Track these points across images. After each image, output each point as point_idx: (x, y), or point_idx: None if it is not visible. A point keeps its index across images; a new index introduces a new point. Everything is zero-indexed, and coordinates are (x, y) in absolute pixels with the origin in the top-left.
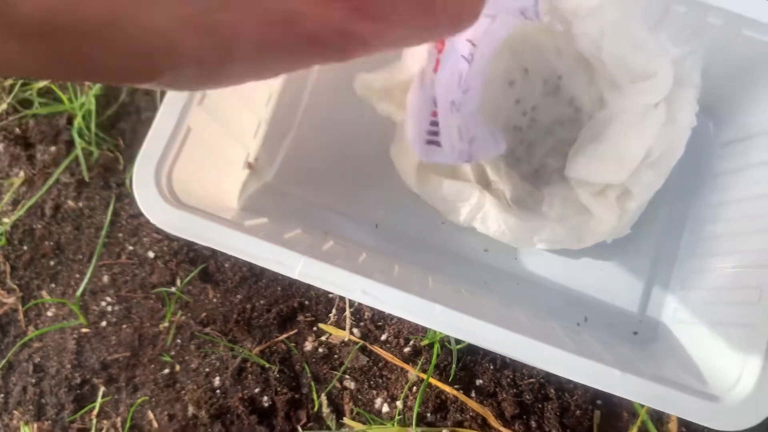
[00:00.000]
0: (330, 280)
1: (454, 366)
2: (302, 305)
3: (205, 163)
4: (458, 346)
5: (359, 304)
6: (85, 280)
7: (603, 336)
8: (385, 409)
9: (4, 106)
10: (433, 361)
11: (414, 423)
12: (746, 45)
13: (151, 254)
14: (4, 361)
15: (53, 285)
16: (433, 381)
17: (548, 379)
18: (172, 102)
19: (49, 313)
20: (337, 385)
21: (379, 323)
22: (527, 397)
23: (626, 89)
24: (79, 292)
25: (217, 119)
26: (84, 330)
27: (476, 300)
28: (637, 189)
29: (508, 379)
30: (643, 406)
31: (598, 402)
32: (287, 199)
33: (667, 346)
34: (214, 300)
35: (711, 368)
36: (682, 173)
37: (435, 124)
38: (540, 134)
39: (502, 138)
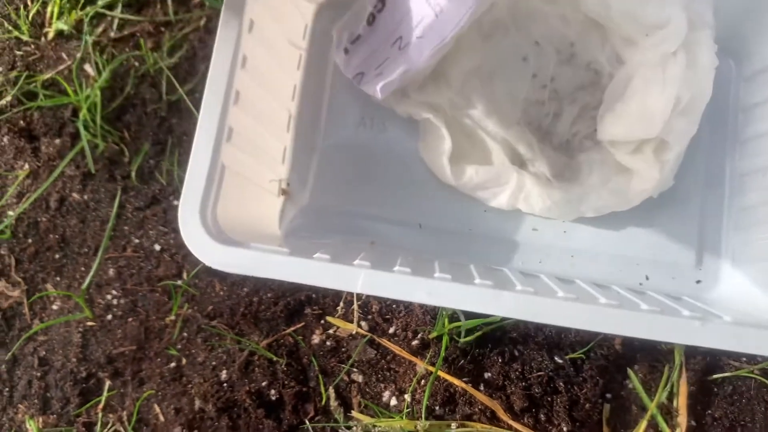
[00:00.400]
0: (392, 288)
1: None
2: (309, 298)
3: (244, 196)
4: (466, 339)
5: (366, 297)
6: (91, 273)
7: (667, 290)
8: (393, 402)
9: (9, 98)
10: (442, 353)
11: (423, 416)
12: None
13: (157, 247)
14: (9, 354)
15: (58, 278)
16: (442, 374)
17: (557, 372)
18: (202, 142)
19: (54, 307)
20: (345, 378)
21: (387, 316)
22: (536, 390)
23: (641, 42)
24: (84, 285)
25: (246, 152)
26: (89, 323)
27: (535, 281)
28: (672, 138)
29: (517, 373)
30: (652, 399)
31: (608, 395)
32: (327, 215)
33: (732, 289)
34: (221, 293)
35: None
36: (711, 114)
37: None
38: (564, 104)
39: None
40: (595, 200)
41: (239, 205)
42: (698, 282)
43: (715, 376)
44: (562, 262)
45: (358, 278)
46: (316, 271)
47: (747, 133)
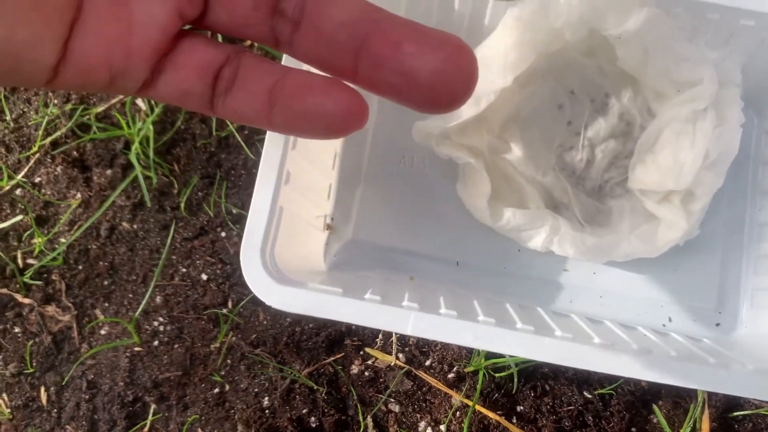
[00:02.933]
0: (441, 332)
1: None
2: (349, 329)
3: (295, 234)
4: (501, 374)
5: None
6: (144, 301)
7: (688, 332)
8: None
9: (64, 130)
10: (479, 387)
11: None
12: None
13: (204, 276)
14: (65, 378)
15: (107, 304)
16: (477, 407)
17: (586, 406)
18: (263, 186)
19: (103, 332)
20: (383, 408)
21: (424, 349)
22: (566, 423)
23: (673, 98)
24: (137, 313)
25: (297, 191)
26: (137, 349)
27: (568, 322)
28: (699, 191)
29: (548, 406)
30: None
31: (633, 430)
32: (368, 250)
33: (750, 333)
34: (264, 322)
35: None
36: (733, 165)
37: None
38: (596, 151)
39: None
40: (625, 247)
41: (292, 243)
42: (717, 325)
43: (736, 413)
44: (592, 303)
45: (408, 321)
46: (369, 313)
47: (766, 186)
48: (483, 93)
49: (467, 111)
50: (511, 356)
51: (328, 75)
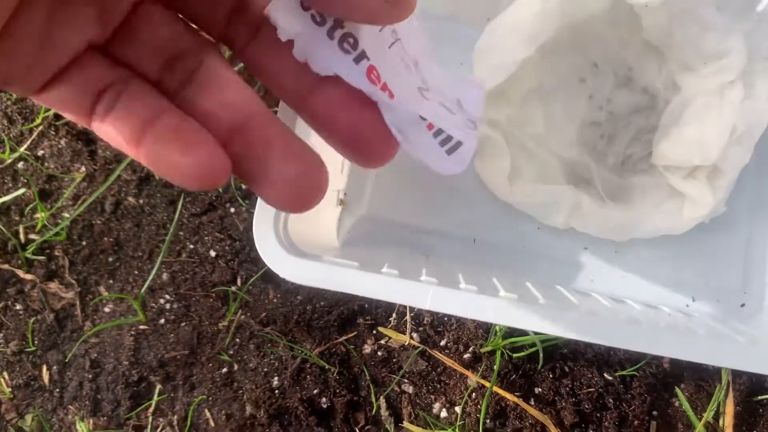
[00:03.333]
0: (461, 306)
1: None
2: (362, 308)
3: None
4: (519, 354)
5: (419, 308)
6: (150, 278)
7: (712, 313)
8: (444, 414)
9: None
10: (496, 368)
11: (480, 429)
12: None
13: (212, 253)
14: (67, 356)
15: (111, 281)
16: (495, 388)
17: (606, 389)
18: None
19: (107, 309)
20: (396, 388)
21: (439, 328)
22: (586, 406)
23: (700, 70)
24: (142, 290)
25: None
26: (142, 327)
27: (590, 300)
28: (726, 166)
29: (567, 388)
30: (700, 418)
31: (654, 413)
32: (382, 227)
33: None
34: (275, 300)
35: None
36: (760, 142)
37: (439, 132)
38: (619, 126)
39: (475, 76)
40: (649, 224)
41: (304, 217)
42: (742, 306)
43: (760, 397)
44: (613, 282)
45: (428, 295)
46: (387, 287)
47: None
48: (503, 63)
49: (488, 81)
50: (535, 333)
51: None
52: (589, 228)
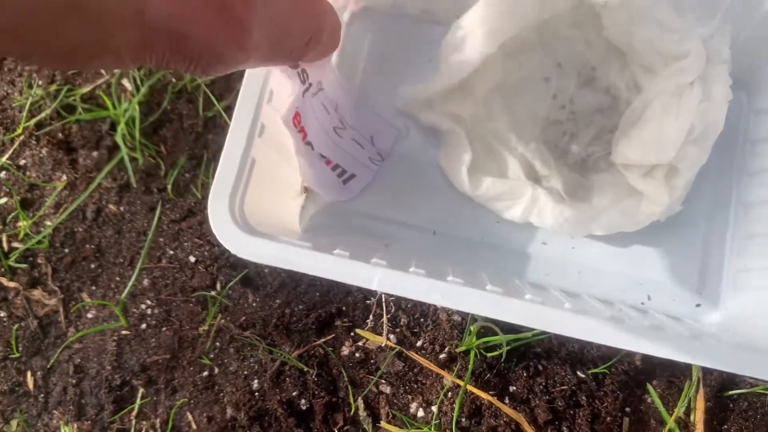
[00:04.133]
0: (408, 288)
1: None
2: (340, 311)
3: (269, 192)
4: (493, 353)
5: (395, 310)
6: (130, 284)
7: (667, 311)
8: (420, 413)
9: (48, 111)
10: (470, 367)
11: (453, 428)
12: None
13: (192, 259)
14: (50, 362)
15: (93, 287)
16: (469, 387)
17: (579, 386)
18: (236, 134)
19: (90, 315)
20: (374, 389)
21: (415, 329)
22: (559, 403)
23: (660, 72)
24: (123, 296)
25: (274, 149)
26: (124, 332)
27: (543, 292)
28: (683, 166)
29: (541, 386)
30: (671, 414)
31: (627, 409)
32: (345, 216)
33: (730, 314)
34: (254, 304)
35: None
36: (721, 144)
37: (336, 167)
38: (581, 125)
39: (395, 117)
40: (605, 219)
41: (264, 200)
42: (698, 305)
43: (731, 392)
44: (569, 277)
45: (375, 276)
46: (335, 266)
47: (754, 166)
48: (467, 59)
49: (451, 77)
50: (499, 333)
51: None
52: (546, 223)
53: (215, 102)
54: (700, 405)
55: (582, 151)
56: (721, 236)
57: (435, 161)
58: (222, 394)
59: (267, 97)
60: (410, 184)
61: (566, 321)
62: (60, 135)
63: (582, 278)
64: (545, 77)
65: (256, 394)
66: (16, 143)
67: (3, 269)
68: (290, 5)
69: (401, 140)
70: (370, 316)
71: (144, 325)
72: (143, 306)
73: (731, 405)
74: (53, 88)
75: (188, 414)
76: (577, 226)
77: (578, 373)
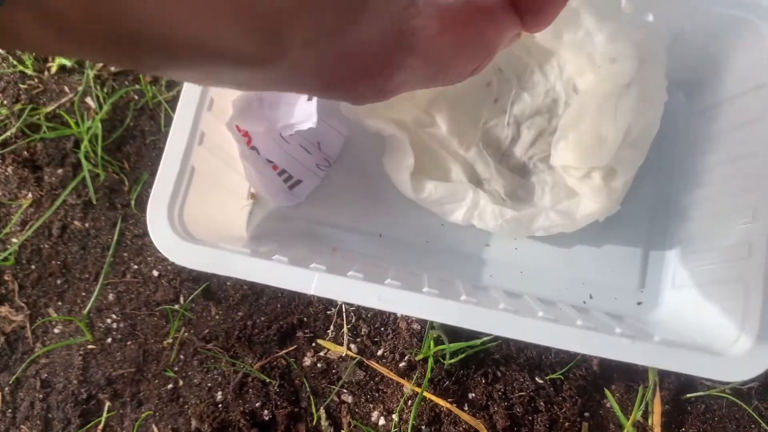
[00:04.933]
0: (345, 292)
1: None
2: (301, 322)
3: (212, 199)
4: (451, 361)
5: (356, 320)
6: (92, 299)
7: (609, 310)
8: (381, 422)
9: (13, 130)
10: (427, 375)
11: None
12: (706, 19)
13: (155, 273)
14: (13, 378)
15: (60, 303)
16: (428, 395)
17: (538, 392)
18: (174, 144)
19: (56, 330)
20: (335, 399)
21: (376, 339)
22: (518, 409)
23: (594, 74)
24: (86, 310)
25: (216, 156)
26: (90, 346)
27: (483, 293)
28: (620, 167)
29: (500, 393)
30: (628, 417)
31: (586, 414)
32: (292, 221)
33: (670, 311)
34: (217, 317)
35: (713, 326)
36: (661, 144)
37: (283, 172)
38: (522, 128)
39: (341, 123)
40: (544, 221)
41: (208, 207)
42: (639, 303)
43: (688, 395)
44: (512, 278)
45: (313, 280)
46: (273, 272)
47: (692, 166)
48: None
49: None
50: (453, 340)
51: None
52: (487, 224)
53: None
54: (658, 408)
55: (523, 153)
56: (661, 235)
57: (380, 166)
58: (186, 406)
59: (208, 105)
60: (356, 188)
61: (495, 320)
62: (25, 153)
63: (525, 278)
64: (486, 82)
65: (220, 405)
66: None
67: None
68: (449, 52)
69: (348, 146)
70: (331, 327)
71: (110, 339)
72: (108, 320)
73: (689, 408)
74: (17, 107)
75: (153, 426)
76: (518, 228)
77: (536, 378)
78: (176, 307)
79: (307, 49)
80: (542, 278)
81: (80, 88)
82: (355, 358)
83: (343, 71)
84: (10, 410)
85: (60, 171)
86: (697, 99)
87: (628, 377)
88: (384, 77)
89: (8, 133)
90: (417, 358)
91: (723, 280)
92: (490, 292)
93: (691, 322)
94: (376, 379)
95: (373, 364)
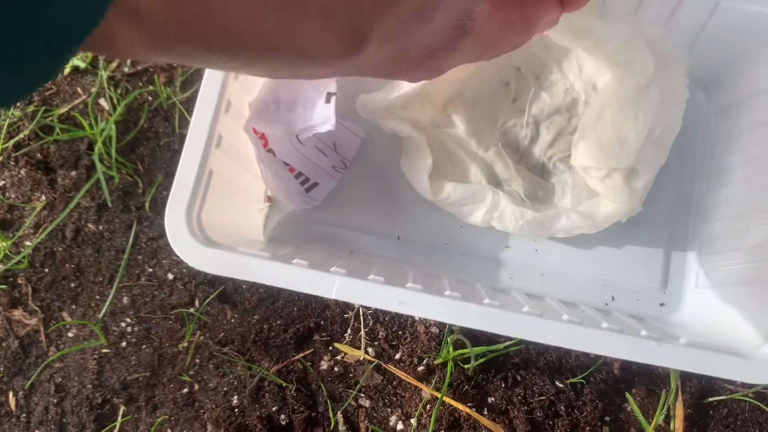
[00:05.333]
0: (366, 295)
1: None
2: (318, 325)
3: (230, 202)
4: (472, 365)
5: (373, 323)
6: (107, 302)
7: (632, 312)
8: (400, 426)
9: (26, 132)
10: (447, 379)
11: None
12: (726, 16)
13: (170, 276)
14: (28, 382)
15: (74, 306)
16: (447, 399)
17: (558, 396)
18: (192, 147)
19: (70, 334)
20: (353, 403)
21: (393, 343)
22: (538, 414)
23: (612, 74)
24: (101, 314)
25: (233, 159)
26: (104, 350)
27: (505, 296)
28: (642, 167)
29: (519, 397)
30: (650, 422)
31: (607, 419)
32: (310, 224)
33: (694, 313)
34: (232, 320)
35: (737, 328)
36: (682, 144)
37: (299, 174)
38: (541, 127)
39: (357, 124)
40: (565, 222)
41: (226, 210)
42: (662, 305)
43: (710, 399)
44: (533, 279)
45: (333, 284)
46: (293, 276)
47: (714, 165)
48: None
49: (409, 86)
50: (474, 344)
51: None
52: (507, 226)
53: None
54: (680, 413)
55: (542, 153)
56: (683, 236)
57: (398, 168)
58: (202, 411)
59: (225, 107)
60: (373, 190)
61: (521, 324)
62: (38, 155)
63: (546, 280)
64: (505, 82)
65: (236, 410)
66: None
67: None
68: (498, 32)
69: (364, 147)
70: (349, 330)
71: (124, 343)
72: (123, 324)
73: (711, 412)
74: (31, 108)
75: (169, 431)
76: (538, 230)
77: (557, 382)
78: (191, 310)
79: (384, 46)
80: (564, 280)
81: (94, 90)
82: (373, 361)
83: (411, 59)
84: (24, 414)
85: (74, 173)
86: (718, 97)
87: (649, 381)
88: (442, 59)
89: (21, 135)
90: (436, 363)
91: (746, 281)
92: (511, 294)
93: (714, 323)
94: (394, 383)
95: (390, 367)
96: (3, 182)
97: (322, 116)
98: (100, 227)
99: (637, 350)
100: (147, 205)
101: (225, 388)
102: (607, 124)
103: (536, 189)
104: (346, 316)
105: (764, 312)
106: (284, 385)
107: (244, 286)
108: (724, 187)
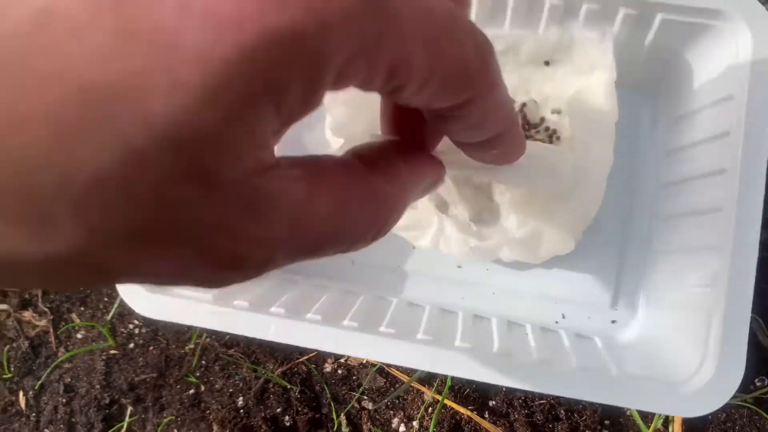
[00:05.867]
0: (301, 337)
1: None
2: None
3: None
4: None
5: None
6: (116, 304)
7: (582, 329)
8: (402, 429)
9: None
10: (448, 383)
11: None
12: (666, 29)
13: None
14: (38, 382)
15: (83, 308)
16: (448, 402)
17: (558, 400)
18: None
19: (79, 335)
20: (356, 405)
21: None
22: (538, 417)
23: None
24: (109, 316)
25: None
26: (112, 352)
27: (449, 319)
28: (578, 214)
29: (520, 400)
30: (649, 426)
31: (606, 422)
32: None
33: (643, 332)
34: None
35: (676, 354)
36: (637, 157)
37: None
38: None
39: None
40: (507, 252)
41: None
42: (613, 322)
43: None
44: (484, 299)
45: (270, 327)
46: (231, 320)
47: (668, 178)
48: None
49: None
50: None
51: None
52: (453, 252)
53: None
54: (678, 417)
55: None
56: (635, 252)
57: None
58: (208, 412)
59: None
60: None
61: (450, 362)
62: None
63: (497, 299)
64: None
65: (241, 411)
66: None
67: None
68: (329, 222)
69: None
70: None
71: (132, 345)
72: (131, 326)
73: (709, 417)
74: None
75: (175, 431)
76: (483, 255)
77: None
78: None
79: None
80: (514, 298)
81: None
82: (376, 365)
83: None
84: (34, 414)
85: None
86: (672, 109)
87: None
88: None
89: None
90: None
91: (686, 306)
92: (457, 317)
93: (658, 346)
94: (397, 386)
95: (393, 371)
96: None
97: None
98: None
99: (563, 385)
100: None
101: (230, 390)
102: (527, 187)
103: (482, 210)
104: None
105: (699, 339)
106: (289, 386)
107: None
108: (678, 198)
